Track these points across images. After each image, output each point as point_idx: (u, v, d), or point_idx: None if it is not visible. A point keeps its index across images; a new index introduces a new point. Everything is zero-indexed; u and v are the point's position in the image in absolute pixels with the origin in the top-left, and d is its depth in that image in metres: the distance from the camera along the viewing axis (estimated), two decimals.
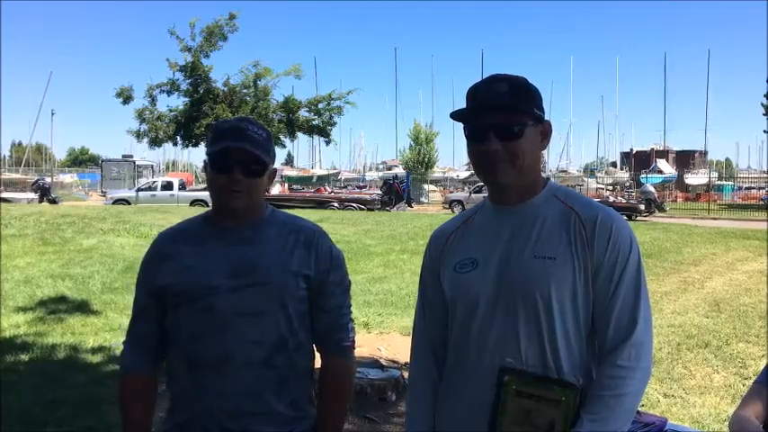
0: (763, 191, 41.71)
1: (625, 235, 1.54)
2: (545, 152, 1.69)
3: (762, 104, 39.62)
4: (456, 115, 1.60)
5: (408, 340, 1.85)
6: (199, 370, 1.71)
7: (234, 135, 1.71)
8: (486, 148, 1.55)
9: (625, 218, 1.78)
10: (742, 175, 60.67)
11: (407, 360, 2.04)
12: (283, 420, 1.75)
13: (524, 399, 1.49)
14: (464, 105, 1.62)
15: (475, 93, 1.59)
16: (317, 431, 1.82)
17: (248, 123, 1.75)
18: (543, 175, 1.71)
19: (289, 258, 1.76)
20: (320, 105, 22.17)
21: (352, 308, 1.91)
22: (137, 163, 44.28)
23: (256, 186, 1.74)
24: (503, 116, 1.54)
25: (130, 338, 1.85)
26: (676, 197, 41.41)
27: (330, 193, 32.54)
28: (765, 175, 50.90)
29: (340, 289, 1.85)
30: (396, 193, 31.17)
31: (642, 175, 41.57)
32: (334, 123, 22.20)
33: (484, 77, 1.63)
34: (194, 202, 26.05)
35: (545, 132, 1.62)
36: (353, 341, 1.89)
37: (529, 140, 1.56)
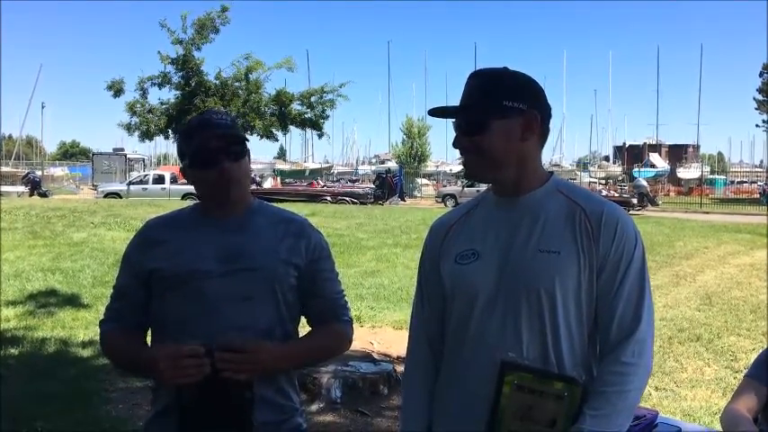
0: (756, 185, 41.91)
1: (630, 231, 1.53)
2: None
3: (754, 99, 39.88)
4: (433, 114, 1.63)
5: (401, 334, 1.85)
6: None
7: (204, 126, 1.74)
8: (454, 143, 1.59)
9: None
10: (734, 170, 61.11)
11: (400, 354, 2.04)
12: (273, 406, 1.73)
13: (525, 393, 1.47)
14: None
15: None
16: (289, 343, 1.79)
17: (210, 114, 1.81)
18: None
19: (279, 247, 1.77)
20: (313, 99, 22.09)
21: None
22: (128, 156, 44.09)
23: (244, 169, 1.76)
24: (465, 112, 1.57)
25: (107, 316, 1.84)
26: (669, 191, 41.45)
27: (323, 186, 32.52)
28: (758, 169, 51.14)
29: (333, 275, 1.89)
30: (388, 186, 31.20)
31: (635, 169, 41.76)
32: (327, 117, 22.18)
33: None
34: (186, 196, 25.92)
35: (527, 124, 1.55)
36: (352, 320, 1.94)
37: (497, 134, 1.53)
